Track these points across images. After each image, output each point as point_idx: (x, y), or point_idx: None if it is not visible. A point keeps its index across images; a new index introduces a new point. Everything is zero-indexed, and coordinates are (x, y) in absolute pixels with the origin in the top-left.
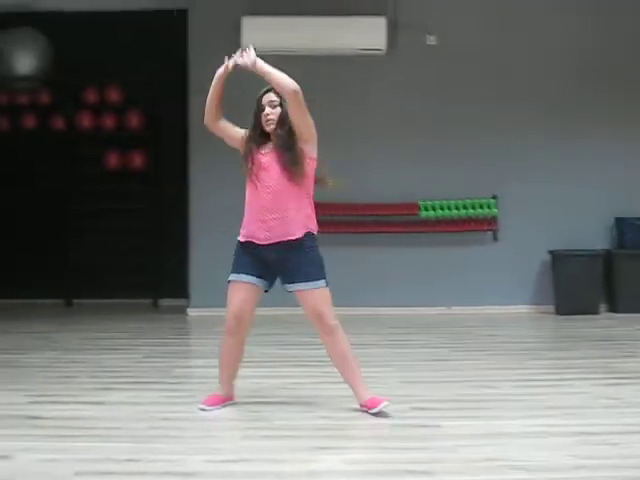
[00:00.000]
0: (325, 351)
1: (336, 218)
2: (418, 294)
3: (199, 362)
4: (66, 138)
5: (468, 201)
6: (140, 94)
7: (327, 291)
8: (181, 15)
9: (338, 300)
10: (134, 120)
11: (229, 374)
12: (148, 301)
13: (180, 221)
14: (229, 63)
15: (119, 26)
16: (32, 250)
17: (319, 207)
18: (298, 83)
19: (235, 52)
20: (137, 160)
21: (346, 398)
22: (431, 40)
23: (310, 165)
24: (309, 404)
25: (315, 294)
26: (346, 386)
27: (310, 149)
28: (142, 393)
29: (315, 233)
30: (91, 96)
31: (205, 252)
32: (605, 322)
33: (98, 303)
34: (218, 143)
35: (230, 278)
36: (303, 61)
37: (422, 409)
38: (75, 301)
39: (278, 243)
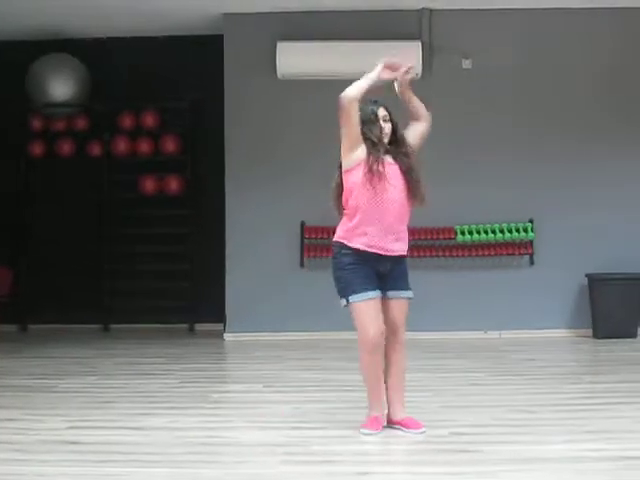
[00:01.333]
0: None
1: None
2: (455, 318)
3: (236, 387)
4: (103, 163)
5: (505, 225)
6: (176, 119)
7: None
8: (217, 40)
9: None
10: (170, 145)
11: (382, 392)
12: (185, 326)
13: (216, 245)
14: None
15: (155, 51)
16: (70, 275)
17: None
18: (332, 107)
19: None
20: (173, 185)
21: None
22: (466, 64)
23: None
24: (348, 429)
25: (406, 305)
26: (387, 411)
27: None
28: (180, 418)
29: None
30: (127, 121)
31: (241, 277)
32: None
33: (135, 328)
34: (254, 168)
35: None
36: (338, 86)
37: (462, 434)
38: (112, 326)
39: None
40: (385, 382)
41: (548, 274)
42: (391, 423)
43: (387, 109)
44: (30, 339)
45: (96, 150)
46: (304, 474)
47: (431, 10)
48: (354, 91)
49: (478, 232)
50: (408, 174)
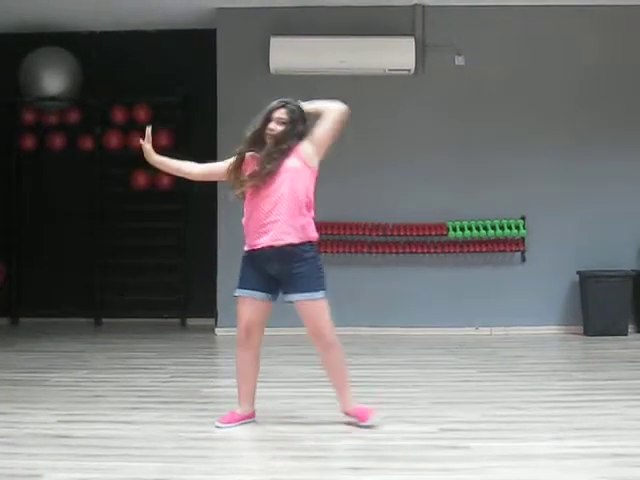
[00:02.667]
0: (356, 372)
1: (365, 238)
2: (446, 314)
3: (227, 382)
4: (94, 157)
5: (496, 222)
6: (168, 113)
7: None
8: (210, 35)
9: (367, 320)
10: (162, 139)
11: (247, 391)
12: (176, 320)
13: (208, 240)
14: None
15: (148, 45)
16: (61, 269)
17: (348, 228)
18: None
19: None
20: (165, 179)
21: (378, 418)
22: (460, 60)
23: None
24: (341, 424)
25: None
26: (380, 407)
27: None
28: (170, 413)
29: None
30: (119, 115)
31: (233, 271)
32: (634, 343)
33: (126, 322)
34: None
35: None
36: (331, 81)
37: (452, 430)
38: (104, 320)
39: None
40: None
41: (539, 271)
42: (345, 414)
43: (292, 113)
44: (21, 333)
45: (88, 144)
46: (295, 469)
47: (424, 6)
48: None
49: (470, 228)
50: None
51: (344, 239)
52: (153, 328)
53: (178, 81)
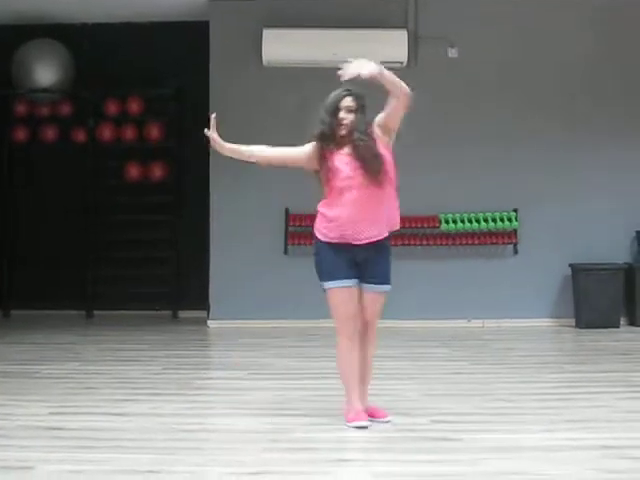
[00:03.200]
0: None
1: None
2: (438, 307)
3: (219, 374)
4: (87, 149)
5: (489, 214)
6: (161, 106)
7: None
8: (203, 27)
9: None
10: (155, 131)
11: (357, 381)
12: (168, 312)
13: (200, 233)
14: (346, 74)
15: (141, 38)
16: (53, 261)
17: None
18: (317, 95)
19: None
20: (158, 171)
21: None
22: (452, 53)
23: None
24: (332, 416)
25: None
26: (370, 398)
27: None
28: (162, 404)
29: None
30: (112, 108)
31: (225, 264)
32: (625, 335)
33: (119, 314)
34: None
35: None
36: (323, 73)
37: (443, 422)
38: (96, 312)
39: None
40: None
41: (532, 263)
42: (370, 416)
43: (357, 99)
44: (13, 325)
45: (80, 136)
46: (286, 461)
47: None
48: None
49: (462, 221)
50: (362, 159)
51: None
52: (145, 320)
53: (171, 73)
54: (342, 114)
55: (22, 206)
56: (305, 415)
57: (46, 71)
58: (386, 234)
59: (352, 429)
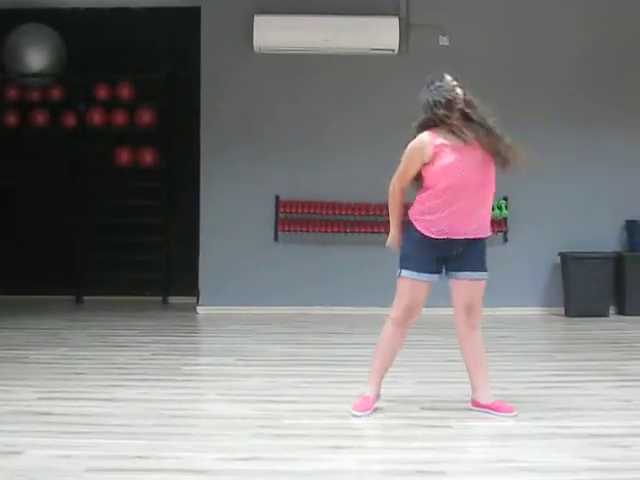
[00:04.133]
0: (337, 351)
1: (347, 218)
2: (431, 294)
3: (208, 360)
4: (77, 134)
5: None
6: (152, 91)
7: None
8: (195, 13)
9: (353, 300)
10: (146, 117)
11: (386, 368)
12: (158, 298)
13: (191, 219)
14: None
15: (132, 23)
16: (43, 246)
17: (330, 208)
18: (308, 82)
19: None
20: (148, 157)
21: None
22: (443, 41)
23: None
24: (321, 403)
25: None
26: (359, 385)
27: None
28: (152, 390)
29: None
30: (103, 92)
31: (215, 250)
32: (614, 324)
33: (108, 300)
34: (229, 141)
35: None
36: (314, 60)
37: (434, 409)
38: (86, 298)
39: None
40: (466, 367)
41: (522, 252)
42: (479, 407)
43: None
44: (2, 310)
45: (71, 121)
46: (275, 447)
47: None
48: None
49: None
50: (491, 149)
51: (328, 218)
52: (135, 306)
53: (162, 59)
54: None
55: (12, 191)
56: (294, 402)
57: (37, 56)
58: (483, 234)
59: (342, 416)
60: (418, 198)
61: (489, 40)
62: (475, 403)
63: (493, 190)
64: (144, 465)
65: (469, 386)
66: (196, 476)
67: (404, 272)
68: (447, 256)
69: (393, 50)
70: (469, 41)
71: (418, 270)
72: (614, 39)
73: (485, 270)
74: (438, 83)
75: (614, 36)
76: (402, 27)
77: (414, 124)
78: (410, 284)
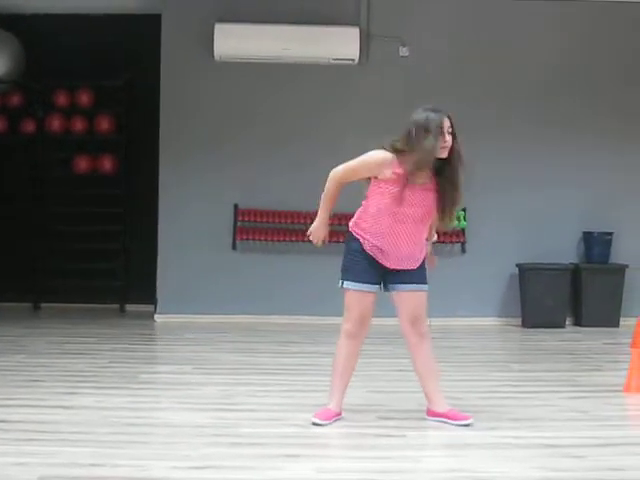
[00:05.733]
0: (292, 359)
1: (309, 227)
2: (384, 304)
3: (165, 368)
4: (36, 141)
5: None
6: (111, 98)
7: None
8: (155, 20)
9: (310, 309)
10: (105, 124)
11: (345, 385)
12: (115, 306)
13: (149, 227)
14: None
15: (92, 29)
16: (0, 252)
17: (290, 216)
18: (269, 91)
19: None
20: (107, 164)
21: (315, 407)
22: (404, 51)
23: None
24: (278, 412)
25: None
26: (316, 394)
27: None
28: (108, 398)
29: None
30: (62, 99)
31: (173, 258)
32: (571, 335)
33: (66, 307)
34: (188, 149)
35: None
36: (275, 69)
37: (389, 419)
38: (43, 305)
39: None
40: (418, 377)
41: (479, 263)
42: (435, 415)
43: (451, 120)
44: None
45: (30, 127)
46: (231, 456)
47: None
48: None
49: None
50: (443, 203)
51: (286, 227)
52: (92, 314)
53: (122, 66)
54: (446, 137)
55: None
56: (251, 410)
57: None
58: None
59: (299, 425)
60: (360, 211)
61: (449, 51)
62: (430, 412)
63: (426, 234)
64: (98, 473)
65: (423, 396)
66: None
67: (346, 283)
68: (385, 270)
69: (353, 60)
70: (429, 52)
71: (359, 281)
72: (577, 47)
73: (425, 283)
74: (433, 116)
75: (577, 44)
76: (362, 37)
77: (391, 139)
78: (355, 295)
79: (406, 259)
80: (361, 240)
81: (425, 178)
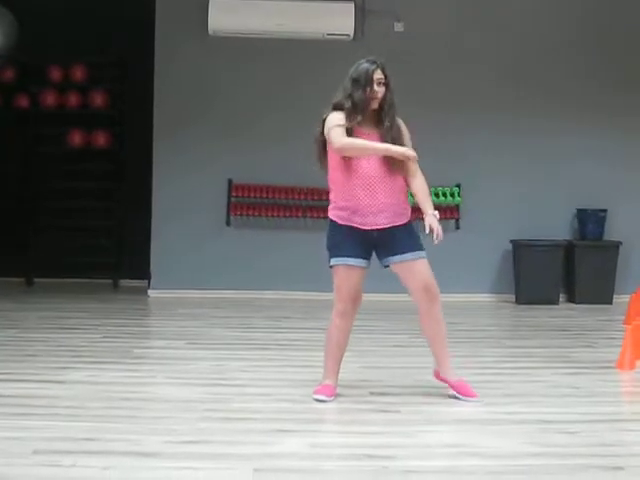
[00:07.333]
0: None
1: (300, 202)
2: (379, 280)
3: (158, 343)
4: (30, 116)
5: (432, 189)
6: (105, 73)
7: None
8: None
9: (304, 285)
10: (99, 99)
11: (339, 362)
12: (109, 281)
13: (143, 202)
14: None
15: (86, 3)
16: None
17: (283, 191)
18: (263, 66)
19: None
20: (101, 139)
21: (308, 382)
22: (399, 27)
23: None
24: (271, 387)
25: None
26: (309, 370)
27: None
28: (101, 373)
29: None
30: (55, 74)
31: (167, 234)
32: (564, 312)
33: (59, 282)
34: (183, 124)
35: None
36: (269, 44)
37: (383, 394)
38: (36, 280)
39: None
40: (429, 343)
41: (473, 239)
42: (441, 380)
43: (385, 72)
44: None
45: (23, 102)
46: (223, 431)
47: None
48: (350, 151)
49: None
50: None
51: (281, 203)
52: (86, 289)
53: (115, 40)
54: (375, 87)
55: None
56: (244, 385)
57: None
58: (397, 222)
59: (290, 400)
60: (330, 187)
61: (444, 26)
62: (438, 376)
63: (402, 181)
64: (92, 447)
65: (418, 372)
66: (144, 458)
67: (332, 260)
68: (371, 241)
69: (348, 35)
70: (424, 27)
71: (345, 255)
72: (573, 22)
73: (422, 249)
74: (363, 66)
75: (573, 18)
76: (357, 13)
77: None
78: (342, 271)
79: (384, 211)
80: (335, 218)
81: (369, 128)
